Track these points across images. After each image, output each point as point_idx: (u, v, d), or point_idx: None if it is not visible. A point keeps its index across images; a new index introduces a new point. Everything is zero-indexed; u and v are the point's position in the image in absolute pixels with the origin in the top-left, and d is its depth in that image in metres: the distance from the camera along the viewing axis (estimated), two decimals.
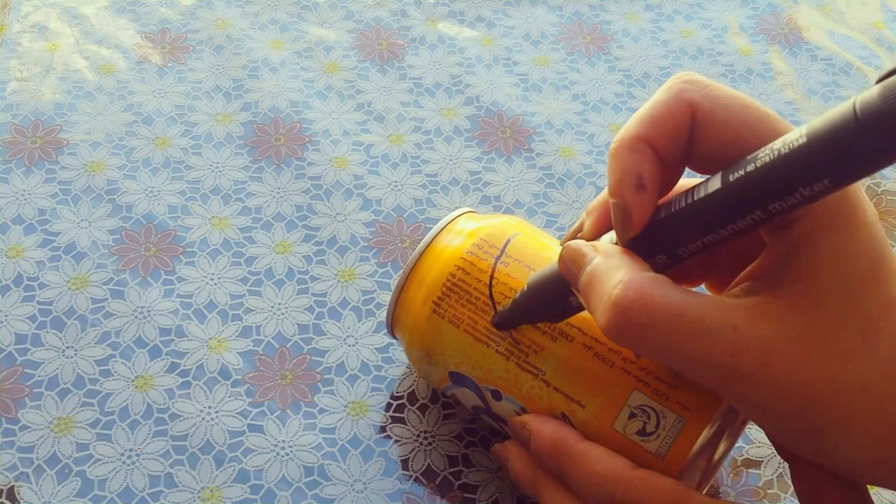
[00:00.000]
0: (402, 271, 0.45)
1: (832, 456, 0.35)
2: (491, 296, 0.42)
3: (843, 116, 0.30)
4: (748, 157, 0.34)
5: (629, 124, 0.37)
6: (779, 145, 0.33)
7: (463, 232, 0.44)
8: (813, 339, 0.34)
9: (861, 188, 0.36)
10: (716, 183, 0.35)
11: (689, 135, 0.36)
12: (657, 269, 0.36)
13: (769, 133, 0.36)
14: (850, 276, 0.34)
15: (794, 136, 0.32)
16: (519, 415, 0.42)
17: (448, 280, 0.43)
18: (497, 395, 0.43)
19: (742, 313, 0.34)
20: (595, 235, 0.40)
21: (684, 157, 0.37)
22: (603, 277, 0.35)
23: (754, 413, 0.36)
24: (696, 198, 0.35)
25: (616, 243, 0.37)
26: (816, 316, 0.34)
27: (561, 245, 0.40)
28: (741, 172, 0.34)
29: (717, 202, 0.34)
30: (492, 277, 0.43)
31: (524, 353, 0.42)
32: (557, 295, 0.39)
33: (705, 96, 0.36)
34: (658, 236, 0.36)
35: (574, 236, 0.42)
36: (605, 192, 0.39)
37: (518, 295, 0.41)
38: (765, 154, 0.33)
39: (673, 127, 0.36)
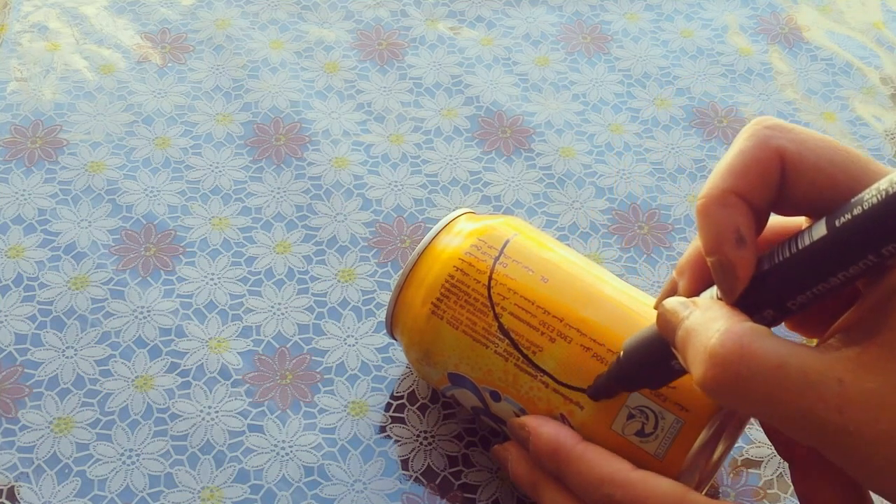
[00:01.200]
0: (401, 272, 0.45)
1: None
2: (490, 297, 0.42)
3: None
4: (853, 201, 0.33)
5: (715, 178, 0.35)
6: (885, 185, 0.31)
7: (462, 233, 0.44)
8: None
9: None
10: (821, 229, 0.33)
11: (779, 183, 0.35)
12: (764, 324, 0.34)
13: (863, 174, 0.34)
14: None
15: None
16: (518, 416, 0.42)
17: (447, 281, 0.43)
18: (496, 396, 0.43)
19: (846, 366, 0.32)
20: (691, 295, 0.38)
21: (774, 206, 0.36)
22: (700, 330, 0.34)
23: (857, 470, 0.33)
24: (800, 246, 0.34)
25: (717, 299, 0.36)
26: None
27: (655, 307, 0.38)
28: (849, 216, 0.32)
29: (826, 249, 0.33)
30: (490, 278, 0.43)
31: (523, 355, 0.42)
32: (657, 359, 0.38)
33: (792, 141, 0.35)
34: (764, 290, 0.35)
35: (666, 297, 0.40)
36: (691, 251, 0.38)
37: (613, 363, 0.39)
38: (871, 195, 0.32)
39: (762, 176, 0.35)
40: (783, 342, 0.33)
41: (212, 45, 0.63)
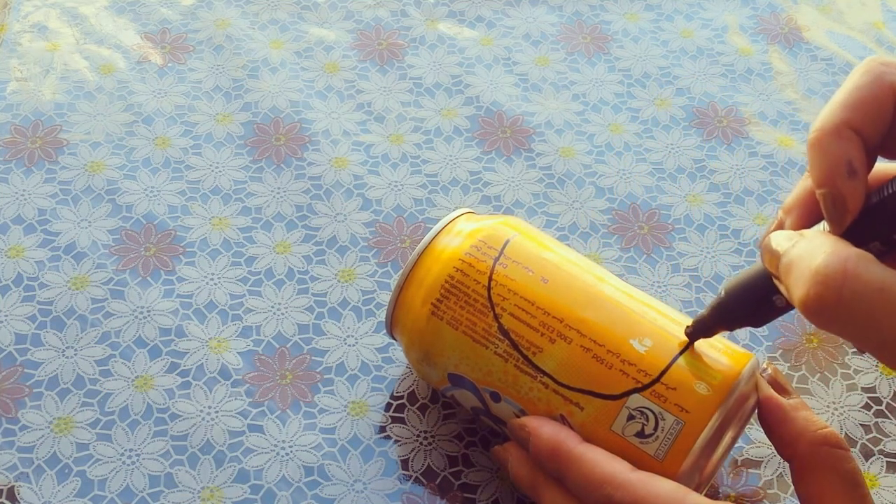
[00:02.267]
0: (401, 272, 0.45)
1: None
2: (489, 297, 0.42)
3: None
4: None
5: (829, 111, 0.36)
6: None
7: (462, 233, 0.44)
8: None
9: None
10: None
11: (892, 119, 0.35)
12: None
13: None
14: None
15: None
16: (518, 416, 0.42)
17: (447, 281, 0.43)
18: (496, 397, 0.43)
19: None
20: (798, 229, 0.38)
21: (882, 145, 0.36)
22: (805, 255, 0.34)
23: None
24: None
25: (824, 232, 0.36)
26: None
27: (759, 246, 0.38)
28: None
29: None
30: (490, 279, 0.43)
31: (523, 355, 0.42)
32: (759, 295, 0.38)
33: None
34: (872, 222, 0.35)
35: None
36: (799, 190, 0.38)
37: (713, 302, 0.40)
38: None
39: (876, 111, 0.35)
40: (888, 269, 0.33)
41: (212, 45, 0.63)
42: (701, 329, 0.41)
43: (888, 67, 0.35)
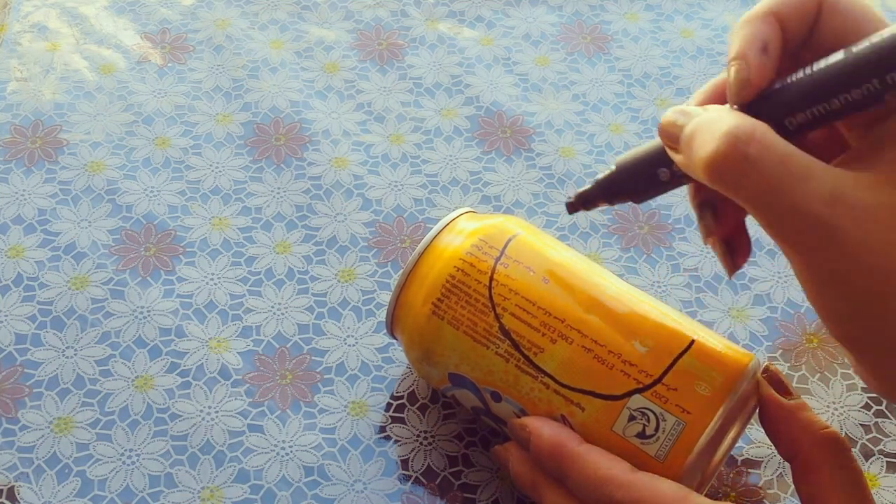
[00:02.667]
0: (402, 271, 0.45)
1: (890, 342, 0.35)
2: (490, 297, 0.42)
3: None
4: (874, 34, 0.35)
5: (761, 2, 0.38)
6: None
7: (463, 232, 0.44)
8: None
9: None
10: (837, 56, 0.35)
11: (815, 18, 0.38)
12: None
13: (889, 26, 0.37)
14: None
15: None
16: (518, 416, 0.42)
17: (448, 281, 0.43)
18: (496, 397, 0.43)
19: (843, 176, 0.35)
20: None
21: (803, 44, 0.38)
22: (714, 120, 0.36)
23: (828, 278, 0.35)
24: (814, 69, 0.36)
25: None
26: None
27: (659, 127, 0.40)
28: (865, 44, 0.35)
29: (835, 71, 0.35)
30: (491, 279, 0.43)
31: (524, 355, 0.42)
32: (646, 167, 0.40)
33: None
34: (769, 104, 0.37)
35: None
36: (708, 84, 0.40)
37: (601, 175, 0.41)
38: (890, 30, 0.34)
39: (802, 6, 0.37)
40: (791, 144, 0.35)
41: (212, 45, 0.63)
42: (582, 200, 0.42)
43: None
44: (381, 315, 0.51)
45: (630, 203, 0.54)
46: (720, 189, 0.36)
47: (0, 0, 0.65)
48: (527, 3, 0.66)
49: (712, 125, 0.35)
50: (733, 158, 0.34)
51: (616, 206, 0.56)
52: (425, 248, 0.44)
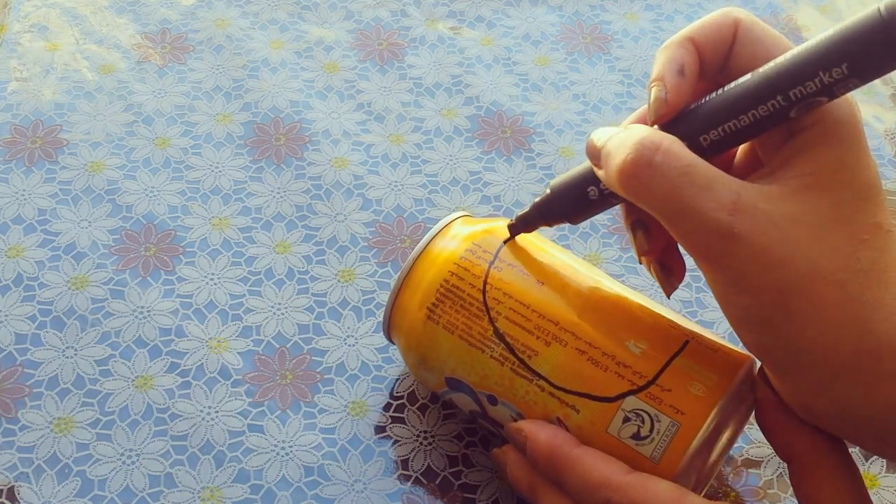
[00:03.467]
0: (397, 276, 0.45)
1: (794, 345, 0.36)
2: (485, 302, 0.42)
3: (867, 14, 0.34)
4: (779, 56, 0.37)
5: (679, 31, 0.40)
6: (806, 43, 0.36)
7: (457, 237, 0.44)
8: (805, 225, 0.36)
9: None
10: (746, 77, 0.38)
11: (730, 45, 0.40)
12: None
13: None
14: (847, 186, 0.37)
15: (821, 34, 0.36)
16: (515, 420, 0.42)
17: (442, 286, 0.43)
18: (493, 401, 0.43)
19: (746, 186, 0.37)
20: None
21: (720, 70, 0.40)
22: (627, 136, 0.38)
23: (733, 284, 0.37)
24: (725, 90, 0.38)
25: None
26: (812, 207, 0.36)
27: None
28: (770, 65, 0.37)
29: (742, 89, 0.37)
30: (485, 283, 0.43)
31: (518, 359, 0.42)
32: (576, 187, 0.41)
33: (749, 18, 0.40)
34: (685, 123, 0.39)
35: None
36: (633, 114, 0.42)
37: (538, 198, 0.43)
38: (792, 51, 0.37)
39: (717, 34, 0.39)
40: (697, 156, 0.37)
41: (212, 45, 0.63)
42: (521, 223, 0.44)
43: (739, 10, 0.40)
44: (381, 315, 0.51)
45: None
46: (630, 197, 0.38)
47: (0, 0, 0.65)
48: (527, 3, 0.66)
49: (626, 138, 0.38)
50: (640, 165, 0.37)
51: (617, 211, 0.56)
52: (420, 254, 0.44)
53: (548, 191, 0.43)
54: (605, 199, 0.41)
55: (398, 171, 0.57)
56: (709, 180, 0.36)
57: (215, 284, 0.52)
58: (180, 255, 0.53)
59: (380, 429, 0.47)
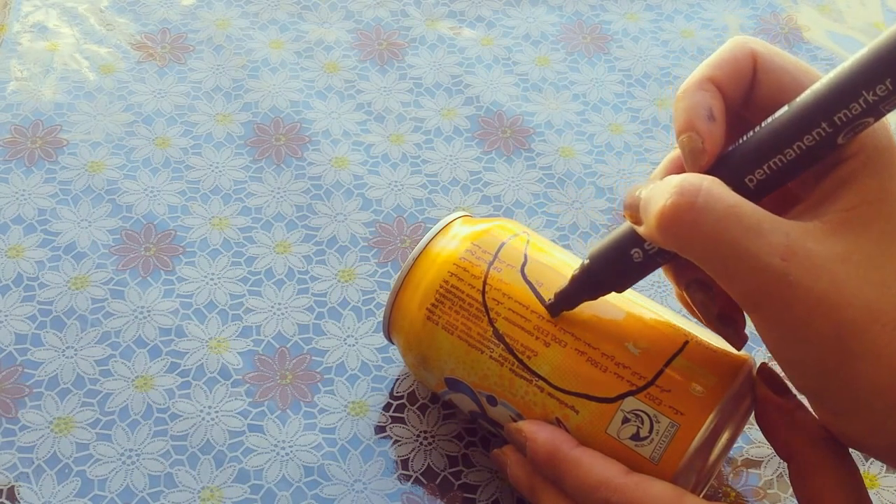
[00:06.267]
0: (397, 277, 0.45)
1: (850, 387, 0.35)
2: (484, 302, 0.42)
3: None
4: (814, 84, 0.36)
5: (695, 70, 0.39)
6: (842, 65, 0.35)
7: (457, 237, 0.44)
8: (854, 264, 0.35)
9: None
10: (782, 110, 0.36)
11: (751, 79, 0.38)
12: None
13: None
14: (891, 217, 0.35)
15: (857, 54, 0.34)
16: (514, 420, 0.42)
17: (441, 286, 0.43)
18: (492, 401, 0.43)
19: (793, 227, 0.35)
20: None
21: (744, 105, 0.39)
22: (665, 184, 0.36)
23: (790, 334, 0.35)
24: (763, 126, 0.36)
25: None
26: (859, 244, 0.35)
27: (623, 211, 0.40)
28: (807, 93, 0.35)
29: (783, 122, 0.36)
30: (485, 284, 0.43)
31: (518, 359, 0.42)
32: (618, 252, 0.39)
33: (765, 47, 0.38)
34: (726, 167, 0.37)
35: None
36: (664, 161, 0.40)
37: (576, 271, 0.41)
38: (828, 75, 0.35)
39: (736, 69, 0.38)
40: (741, 196, 0.35)
41: (212, 45, 0.63)
42: (562, 300, 0.41)
43: (748, 38, 0.39)
44: (381, 315, 0.51)
45: None
46: (673, 245, 0.36)
47: (0, 0, 0.65)
48: (527, 3, 0.66)
49: (664, 184, 0.36)
50: (682, 208, 0.35)
51: (618, 206, 0.56)
52: (419, 254, 0.44)
53: (586, 261, 0.41)
54: (652, 260, 0.39)
55: (398, 171, 0.57)
56: (757, 220, 0.35)
57: (215, 284, 0.52)
58: (180, 255, 0.53)
59: (380, 429, 0.47)
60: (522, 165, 0.58)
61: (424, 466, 0.46)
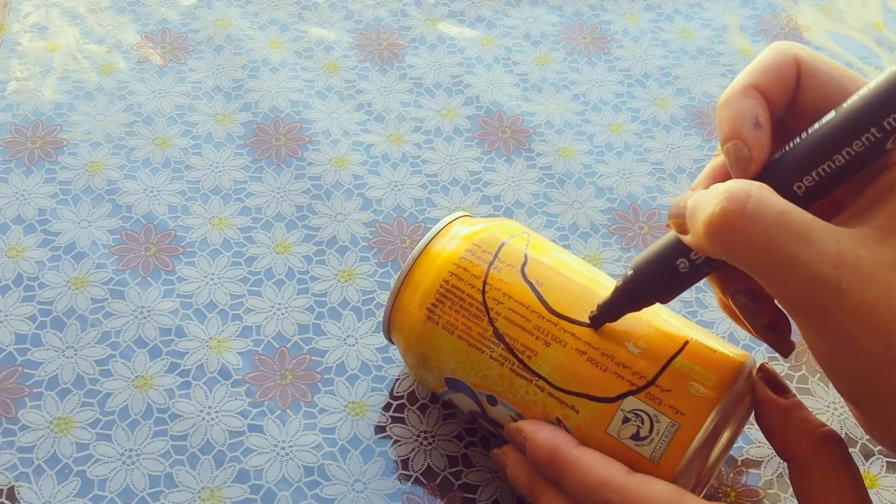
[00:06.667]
0: (397, 276, 0.45)
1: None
2: (484, 302, 0.42)
3: None
4: (862, 88, 0.35)
5: (737, 78, 0.38)
6: (891, 68, 0.34)
7: (457, 237, 0.44)
8: None
9: None
10: (830, 115, 0.36)
11: (794, 84, 0.38)
12: None
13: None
14: None
15: None
16: (514, 420, 0.42)
17: (441, 286, 0.43)
18: (492, 401, 0.43)
19: (844, 234, 0.34)
20: None
21: (787, 111, 0.38)
22: (712, 191, 0.35)
23: (840, 345, 0.35)
24: (810, 132, 0.36)
25: None
26: None
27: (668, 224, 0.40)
28: (855, 98, 0.35)
29: (831, 128, 0.35)
30: (485, 283, 0.43)
31: (518, 359, 0.42)
32: (664, 262, 0.39)
33: (808, 53, 0.38)
34: (774, 175, 0.36)
35: None
36: (706, 169, 0.40)
37: (620, 283, 0.40)
38: (875, 79, 0.35)
39: (780, 76, 0.38)
40: (789, 202, 0.35)
41: (212, 45, 0.63)
42: (605, 312, 0.41)
43: (791, 43, 0.38)
44: (381, 315, 0.51)
45: (632, 206, 0.54)
46: (721, 252, 0.35)
47: (0, 0, 0.65)
48: (527, 3, 0.66)
49: (711, 193, 0.35)
50: (731, 215, 0.34)
51: (618, 206, 0.56)
52: (420, 254, 0.44)
53: (630, 272, 0.40)
54: (698, 270, 0.39)
55: (398, 171, 0.57)
56: (807, 227, 0.34)
57: (215, 284, 0.52)
58: (180, 255, 0.53)
59: (380, 429, 0.47)
60: (522, 165, 0.58)
61: (424, 466, 0.46)
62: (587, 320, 0.41)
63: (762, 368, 0.42)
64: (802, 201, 0.36)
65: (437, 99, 0.61)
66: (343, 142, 0.58)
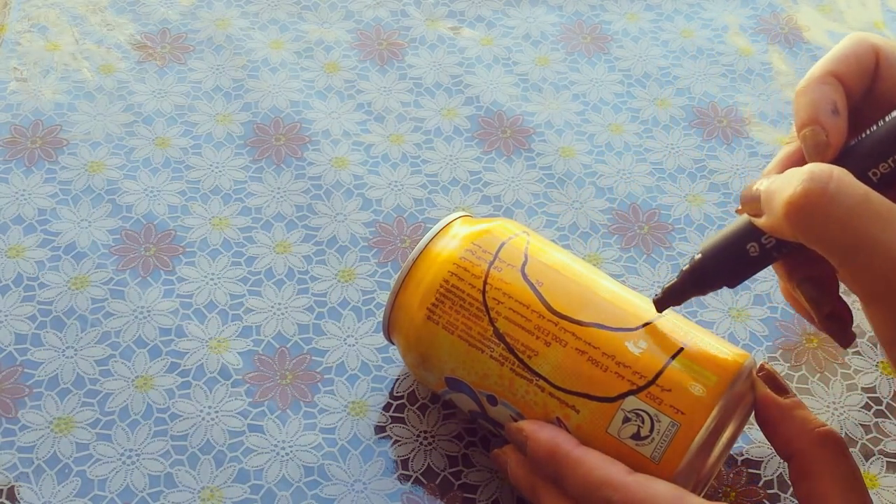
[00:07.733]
0: (397, 276, 0.45)
1: None
2: (484, 302, 0.42)
3: None
4: None
5: (816, 65, 0.38)
6: None
7: (457, 236, 0.44)
8: None
9: None
10: None
11: (873, 73, 0.38)
12: None
13: None
14: None
15: None
16: (515, 420, 0.42)
17: (442, 286, 0.43)
18: (493, 401, 0.43)
19: None
20: None
21: (863, 99, 0.38)
22: (790, 175, 0.35)
23: None
24: (887, 120, 0.36)
25: None
26: None
27: (738, 212, 0.40)
28: None
29: None
30: (485, 283, 0.43)
31: (518, 359, 0.42)
32: (734, 246, 0.39)
33: (887, 43, 0.38)
34: (850, 160, 0.37)
35: None
36: (779, 155, 0.40)
37: (687, 268, 0.40)
38: None
39: (859, 64, 0.38)
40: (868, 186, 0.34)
41: (212, 45, 0.63)
42: (670, 296, 0.41)
43: (871, 34, 0.39)
44: (381, 315, 0.51)
45: (632, 206, 0.54)
46: (801, 234, 0.35)
47: (0, 0, 0.65)
48: (527, 3, 0.66)
49: (791, 175, 0.35)
50: (814, 194, 0.34)
51: (618, 206, 0.56)
52: (420, 254, 0.44)
53: (698, 255, 0.40)
54: (768, 255, 0.39)
55: (398, 171, 0.57)
56: (888, 210, 0.34)
57: (215, 284, 0.52)
58: (180, 255, 0.53)
59: (380, 429, 0.47)
60: (522, 165, 0.58)
61: (424, 466, 0.46)
62: (588, 320, 0.41)
63: (762, 368, 0.42)
64: (877, 188, 0.36)
65: (437, 99, 0.61)
66: (343, 142, 0.58)
